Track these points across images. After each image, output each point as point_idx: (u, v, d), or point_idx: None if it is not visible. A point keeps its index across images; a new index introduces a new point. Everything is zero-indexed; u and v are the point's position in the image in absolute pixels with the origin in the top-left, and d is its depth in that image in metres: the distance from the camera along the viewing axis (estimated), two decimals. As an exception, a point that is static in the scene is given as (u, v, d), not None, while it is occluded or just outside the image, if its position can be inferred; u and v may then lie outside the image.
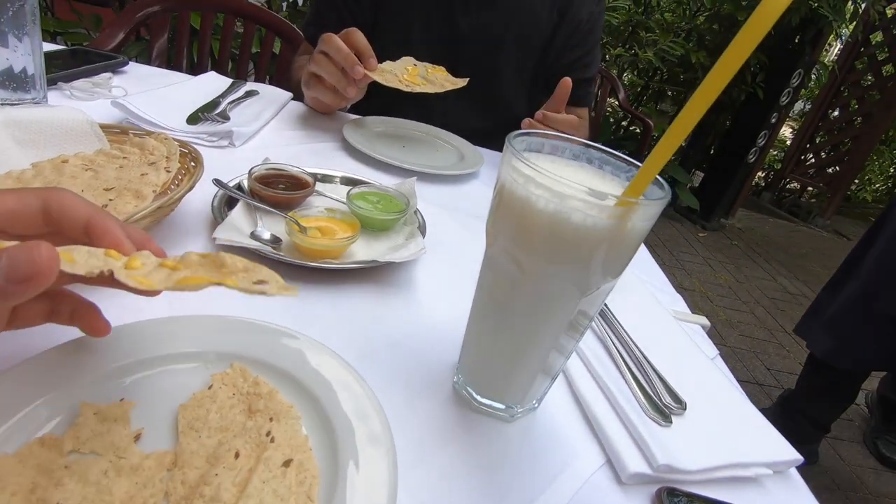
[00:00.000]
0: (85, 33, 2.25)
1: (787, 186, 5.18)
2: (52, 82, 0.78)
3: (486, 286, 0.40)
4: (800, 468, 0.46)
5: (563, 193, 0.31)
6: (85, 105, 0.77)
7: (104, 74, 0.86)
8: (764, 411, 0.45)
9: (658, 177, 0.34)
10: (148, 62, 1.31)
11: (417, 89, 0.88)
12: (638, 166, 0.36)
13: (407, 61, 0.93)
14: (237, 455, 0.32)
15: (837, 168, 4.63)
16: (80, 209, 0.31)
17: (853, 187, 5.45)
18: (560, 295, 0.35)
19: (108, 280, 0.30)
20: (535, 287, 0.35)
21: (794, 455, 0.45)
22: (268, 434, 0.34)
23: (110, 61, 0.92)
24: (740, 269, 3.51)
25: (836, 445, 2.02)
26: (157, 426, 0.33)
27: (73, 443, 0.30)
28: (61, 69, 0.82)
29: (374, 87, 0.92)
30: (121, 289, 0.32)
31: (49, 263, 0.24)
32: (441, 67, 0.96)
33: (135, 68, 0.99)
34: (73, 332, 0.38)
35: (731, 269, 3.50)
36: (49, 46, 0.90)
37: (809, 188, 4.99)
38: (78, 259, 0.27)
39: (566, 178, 0.30)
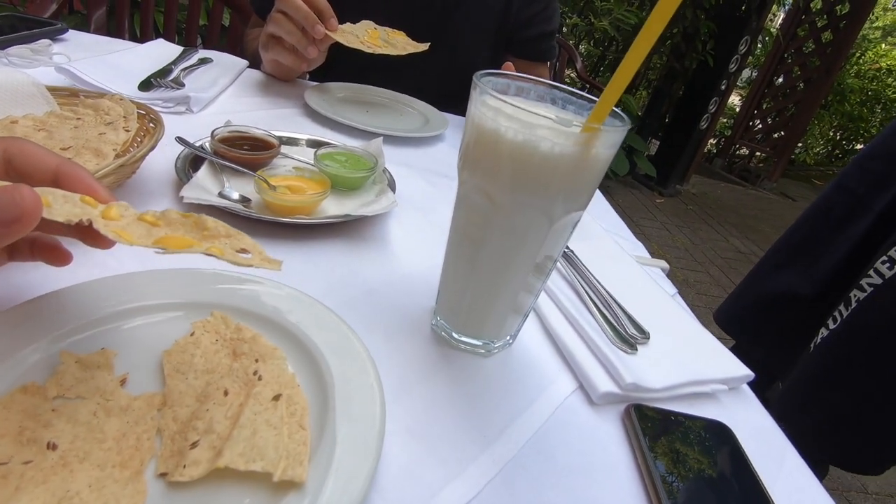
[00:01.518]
0: (10, 6, 2.08)
1: (737, 152, 5.41)
2: (-15, 49, 0.73)
3: (459, 225, 0.41)
4: (751, 384, 0.50)
5: (531, 123, 0.32)
6: (26, 72, 0.72)
7: (42, 41, 0.81)
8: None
9: (618, 111, 0.36)
10: (87, 34, 1.24)
11: (379, 51, 0.87)
12: (599, 103, 0.38)
13: (367, 24, 0.92)
14: (226, 393, 0.33)
15: (782, 133, 4.86)
16: (46, 157, 0.30)
17: (797, 151, 5.74)
18: (530, 225, 0.37)
19: (82, 231, 0.29)
20: (506, 219, 0.37)
21: (745, 371, 0.49)
22: (255, 373, 0.34)
23: (48, 28, 0.86)
24: (696, 233, 3.68)
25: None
26: (142, 371, 0.34)
27: (56, 389, 0.30)
28: (-5, 35, 0.77)
29: (336, 53, 0.90)
30: (89, 243, 0.32)
31: (33, 205, 0.24)
32: (401, 32, 0.95)
33: (75, 35, 0.93)
34: (45, 286, 0.38)
35: (688, 232, 3.65)
36: (-22, 12, 0.84)
37: (757, 153, 5.23)
38: (53, 204, 0.27)
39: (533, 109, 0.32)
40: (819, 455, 1.12)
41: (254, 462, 0.28)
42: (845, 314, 1.04)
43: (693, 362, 0.48)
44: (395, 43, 0.91)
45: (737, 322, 1.39)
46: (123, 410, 0.30)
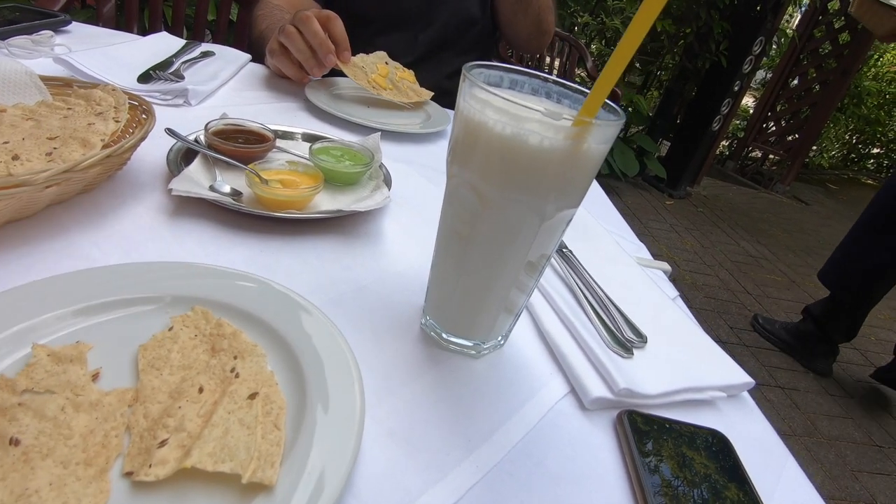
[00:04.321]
0: None
1: (750, 155, 5.33)
2: (-14, 39, 0.73)
3: (447, 222, 0.40)
4: (752, 392, 0.48)
5: (519, 116, 0.31)
6: (24, 63, 0.72)
7: (45, 32, 0.81)
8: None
9: (613, 104, 0.34)
10: (95, 27, 1.24)
11: (383, 94, 0.91)
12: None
13: (379, 57, 0.96)
14: (201, 390, 0.32)
15: (797, 136, 4.78)
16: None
17: (811, 154, 5.64)
18: (520, 223, 0.36)
19: None
20: (495, 216, 0.35)
21: (745, 379, 0.47)
22: (232, 370, 0.33)
23: (51, 19, 0.86)
24: (705, 235, 3.63)
25: (791, 395, 2.14)
26: (117, 366, 0.33)
27: (26, 382, 0.30)
28: (-3, 26, 0.77)
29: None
30: None
31: None
32: (410, 72, 0.99)
33: (78, 27, 0.93)
34: (28, 277, 0.37)
35: (697, 234, 3.60)
36: (-18, 3, 0.84)
37: (771, 156, 5.14)
38: None
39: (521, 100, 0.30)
40: None
41: (223, 462, 0.27)
42: None
43: (691, 368, 0.47)
44: (400, 86, 0.95)
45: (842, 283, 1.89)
46: (93, 406, 0.29)
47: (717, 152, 4.70)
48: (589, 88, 0.38)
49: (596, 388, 0.41)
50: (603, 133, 0.32)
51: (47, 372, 0.30)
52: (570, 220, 0.39)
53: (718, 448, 0.40)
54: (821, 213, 4.82)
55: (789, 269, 3.40)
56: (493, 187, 0.34)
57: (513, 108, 0.31)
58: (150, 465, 0.27)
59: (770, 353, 2.40)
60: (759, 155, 5.29)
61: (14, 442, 0.26)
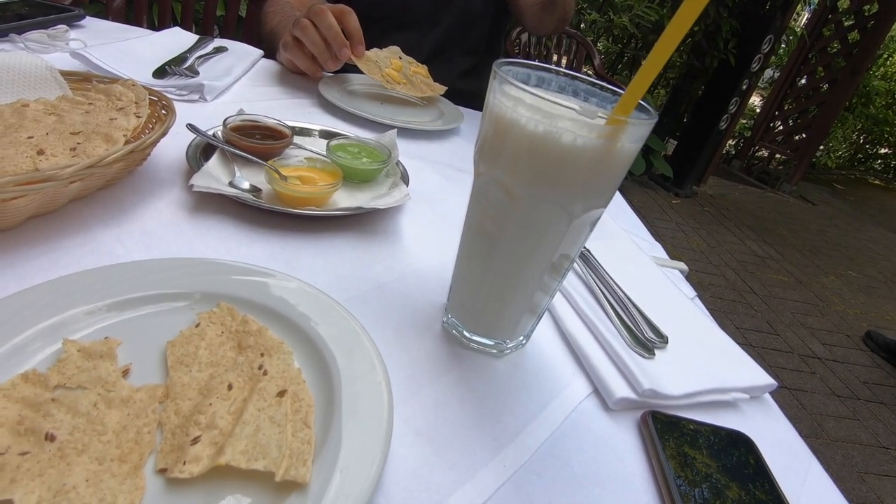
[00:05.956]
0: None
1: (756, 154, 5.30)
2: (2, 34, 0.73)
3: (474, 220, 0.40)
4: (773, 394, 0.48)
5: (552, 114, 0.31)
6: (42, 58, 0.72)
7: (60, 27, 0.81)
8: None
9: (644, 103, 0.34)
10: (105, 22, 1.24)
11: (397, 89, 0.91)
12: (624, 95, 0.36)
13: (393, 52, 0.95)
14: (230, 387, 0.32)
15: (804, 135, 4.75)
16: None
17: (817, 154, 5.61)
18: (548, 222, 0.35)
19: None
20: (524, 214, 0.35)
21: (768, 380, 0.47)
22: (260, 367, 0.33)
23: (66, 13, 0.86)
24: (711, 235, 3.61)
25: (798, 396, 2.14)
26: (146, 362, 0.33)
27: (58, 378, 0.30)
28: (12, 21, 0.77)
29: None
30: None
31: None
32: (423, 67, 0.99)
33: (92, 22, 0.93)
34: (52, 273, 0.37)
35: (703, 234, 3.59)
36: (-3, -3, 0.84)
37: (777, 155, 5.12)
38: None
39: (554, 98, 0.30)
40: None
41: (256, 461, 0.27)
42: None
43: (713, 369, 0.46)
44: (413, 80, 0.95)
45: None
46: (124, 402, 0.29)
47: (724, 151, 4.68)
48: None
49: (620, 388, 0.41)
50: (636, 132, 0.32)
51: (78, 367, 0.30)
52: (597, 221, 0.38)
53: (744, 450, 0.40)
54: (827, 213, 4.80)
55: (796, 269, 3.39)
56: (523, 185, 0.34)
57: (546, 105, 0.31)
58: (183, 463, 0.27)
59: (776, 354, 2.40)
60: (766, 154, 5.27)
61: (50, 437, 0.26)
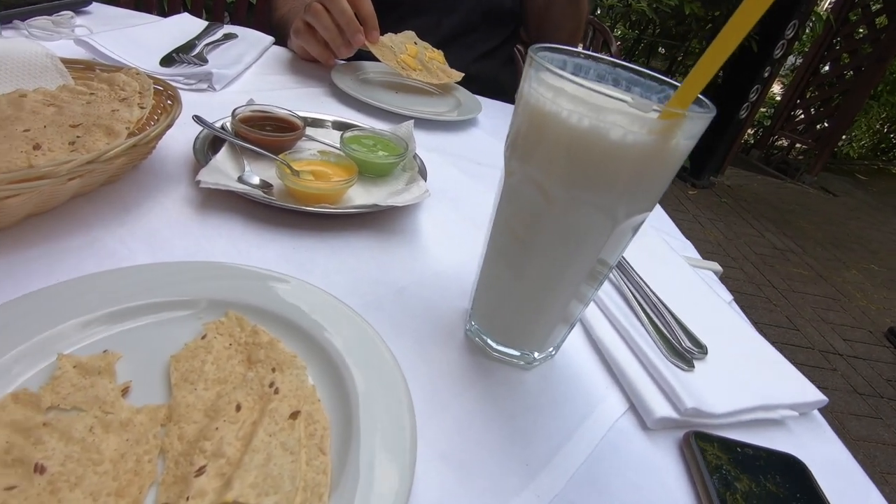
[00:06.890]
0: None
1: (776, 143, 5.16)
2: (6, 20, 0.71)
3: (504, 222, 0.36)
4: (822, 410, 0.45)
5: (599, 106, 0.27)
6: (45, 45, 0.70)
7: (65, 13, 0.78)
8: None
9: (700, 96, 0.30)
10: (114, 8, 1.21)
11: (413, 76, 0.88)
12: (675, 86, 0.32)
13: (408, 37, 0.92)
14: (238, 408, 0.29)
15: (826, 124, 4.60)
16: None
17: (839, 144, 5.45)
18: (589, 227, 0.32)
19: None
20: (561, 218, 0.32)
21: (818, 396, 0.43)
22: (271, 385, 0.30)
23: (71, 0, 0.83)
24: (729, 226, 3.53)
25: (819, 394, 2.08)
26: (147, 379, 0.30)
27: (51, 398, 0.27)
28: (16, 6, 0.74)
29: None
30: None
31: None
32: (439, 52, 0.95)
33: (99, 8, 0.90)
34: (49, 279, 0.34)
35: (721, 226, 3.51)
36: (1, -17, 0.81)
37: (798, 145, 4.98)
38: None
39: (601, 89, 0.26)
40: None
41: (266, 496, 0.24)
42: None
43: (758, 383, 0.43)
44: (430, 66, 0.91)
45: None
46: (123, 426, 0.27)
47: (742, 141, 4.56)
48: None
49: (660, 406, 0.38)
50: (693, 127, 0.28)
51: (74, 386, 0.28)
52: (640, 226, 0.35)
53: (796, 475, 0.36)
54: (849, 205, 4.67)
55: (817, 263, 3.30)
56: (561, 186, 0.31)
57: (592, 97, 0.27)
58: (187, 498, 0.24)
59: (796, 350, 2.34)
60: (786, 144, 5.13)
61: (40, 469, 0.23)
